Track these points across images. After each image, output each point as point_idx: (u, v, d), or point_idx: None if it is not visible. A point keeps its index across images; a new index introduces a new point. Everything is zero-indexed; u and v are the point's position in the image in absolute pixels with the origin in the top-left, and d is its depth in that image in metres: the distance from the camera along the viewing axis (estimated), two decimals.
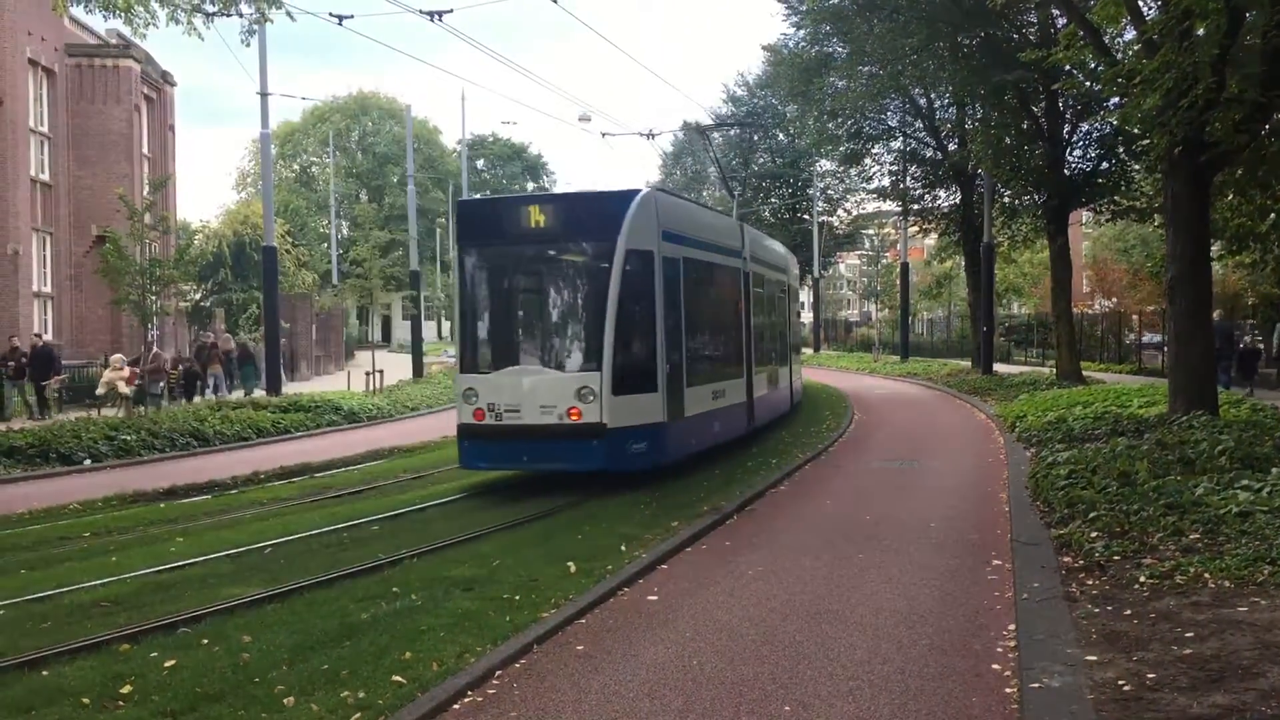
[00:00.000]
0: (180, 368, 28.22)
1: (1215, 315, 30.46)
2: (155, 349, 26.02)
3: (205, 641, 7.29)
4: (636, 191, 14.51)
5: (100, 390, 23.97)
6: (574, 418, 13.56)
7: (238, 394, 29.11)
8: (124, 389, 23.80)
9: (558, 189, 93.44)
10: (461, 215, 15.89)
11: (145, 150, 37.24)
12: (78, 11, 14.84)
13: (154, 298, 24.55)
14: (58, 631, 7.76)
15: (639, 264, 14.04)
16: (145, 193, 30.91)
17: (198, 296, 48.86)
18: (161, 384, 25.36)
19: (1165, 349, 22.26)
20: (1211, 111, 14.22)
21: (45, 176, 32.52)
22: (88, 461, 18.34)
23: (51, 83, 32.89)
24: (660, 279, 14.31)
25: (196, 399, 27.73)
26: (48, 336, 29.39)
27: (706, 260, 16.86)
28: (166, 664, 6.77)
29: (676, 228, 15.24)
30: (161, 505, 14.30)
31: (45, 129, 32.69)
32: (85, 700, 6.14)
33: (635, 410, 13.94)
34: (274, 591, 8.65)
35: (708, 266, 17.01)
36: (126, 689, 6.32)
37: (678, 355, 14.91)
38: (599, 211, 14.57)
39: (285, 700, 6.05)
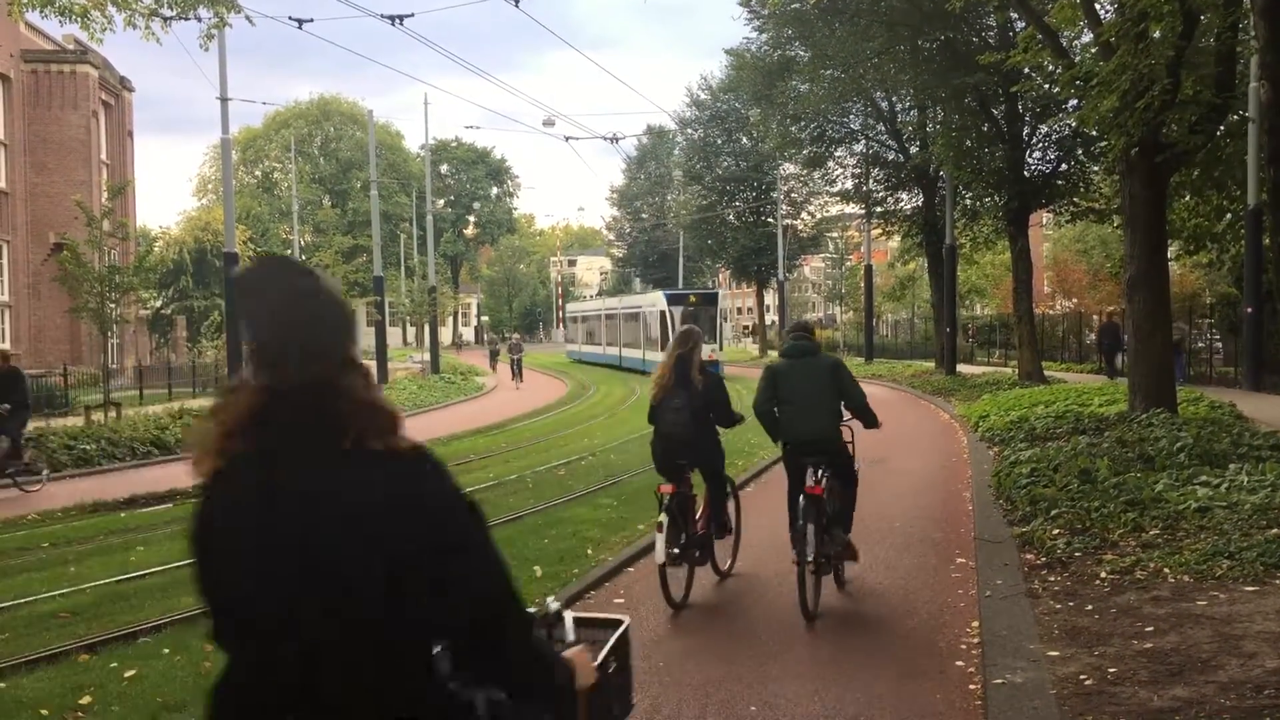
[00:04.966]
0: None
1: (1109, 315, 30.72)
2: None
3: (166, 651, 7.19)
4: (719, 290, 54.05)
5: None
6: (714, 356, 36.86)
7: None
8: None
9: (524, 193, 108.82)
10: (668, 296, 41.41)
11: (104, 156, 36.83)
12: (33, 17, 14.68)
13: (113, 306, 24.08)
14: (16, 643, 7.63)
15: (718, 312, 42.02)
16: (104, 199, 30.47)
17: (158, 304, 48.37)
18: None
19: (1125, 348, 22.43)
20: (1167, 113, 14.42)
21: (1, 184, 32.09)
22: (46, 471, 18.07)
23: (7, 89, 32.46)
24: (723, 317, 44.84)
25: None
26: (5, 346, 28.92)
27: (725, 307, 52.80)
28: (127, 674, 6.67)
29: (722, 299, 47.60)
30: (122, 515, 14.09)
31: (1, 135, 32.27)
32: (44, 711, 6.04)
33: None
34: None
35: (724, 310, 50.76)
36: (86, 700, 6.22)
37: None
38: (712, 296, 43.45)
39: None
